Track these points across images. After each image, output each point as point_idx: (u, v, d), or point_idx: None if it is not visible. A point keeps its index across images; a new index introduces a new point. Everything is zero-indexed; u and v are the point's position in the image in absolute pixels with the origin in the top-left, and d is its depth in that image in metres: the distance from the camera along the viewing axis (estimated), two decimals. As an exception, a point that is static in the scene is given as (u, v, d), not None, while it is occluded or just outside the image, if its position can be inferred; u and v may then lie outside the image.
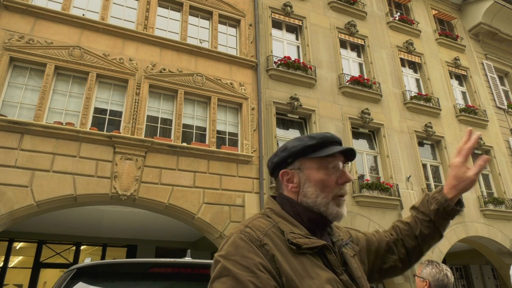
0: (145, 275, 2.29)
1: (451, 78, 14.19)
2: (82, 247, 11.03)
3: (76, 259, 10.68)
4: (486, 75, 14.91)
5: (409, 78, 13.31)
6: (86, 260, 2.34)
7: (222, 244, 1.08)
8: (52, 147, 7.22)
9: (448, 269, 2.92)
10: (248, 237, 1.04)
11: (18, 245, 10.47)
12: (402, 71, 12.90)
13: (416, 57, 13.52)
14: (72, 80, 8.16)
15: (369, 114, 11.06)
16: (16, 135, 7.04)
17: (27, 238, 10.25)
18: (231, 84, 9.55)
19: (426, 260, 3.11)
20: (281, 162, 1.21)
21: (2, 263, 9.98)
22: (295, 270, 1.01)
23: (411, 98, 12.25)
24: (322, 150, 1.18)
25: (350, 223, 9.44)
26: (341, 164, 1.20)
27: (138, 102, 8.30)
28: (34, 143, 7.11)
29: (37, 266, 10.22)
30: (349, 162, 1.26)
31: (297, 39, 11.77)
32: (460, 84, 14.56)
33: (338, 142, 1.22)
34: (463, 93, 14.38)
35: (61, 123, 7.50)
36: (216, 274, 1.00)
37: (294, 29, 11.87)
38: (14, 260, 10.65)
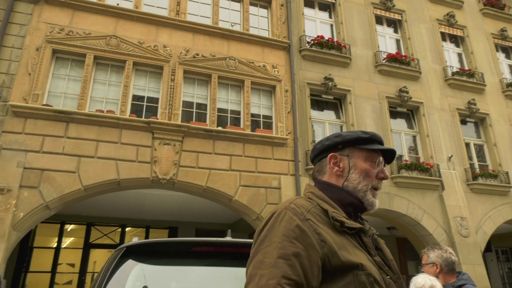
0: (188, 253, 2.39)
1: (497, 51, 13.34)
2: (127, 229, 11.58)
3: (122, 240, 11.25)
4: (537, 46, 13.89)
5: (451, 53, 12.66)
6: (134, 240, 2.46)
7: (266, 218, 1.13)
8: (95, 134, 7.56)
9: (449, 248, 2.99)
10: (292, 212, 1.10)
11: (69, 227, 11.15)
12: (442, 46, 12.29)
13: (458, 30, 12.81)
14: (111, 69, 8.44)
15: (407, 92, 10.68)
16: (62, 124, 7.42)
17: (77, 220, 10.89)
18: (264, 66, 9.51)
19: (426, 248, 3.08)
20: (332, 146, 1.31)
21: (56, 244, 10.71)
22: (337, 244, 1.08)
23: (453, 74, 11.68)
24: (372, 144, 1.30)
25: (388, 205, 9.28)
26: (382, 162, 1.33)
27: (173, 88, 8.48)
28: (78, 131, 7.48)
29: (87, 246, 10.87)
30: (387, 164, 1.38)
31: (330, 17, 11.47)
32: (507, 57, 13.67)
33: (382, 142, 1.35)
34: (511, 67, 13.51)
35: (102, 111, 7.82)
36: (261, 245, 1.04)
37: (327, 7, 11.56)
38: (66, 241, 11.37)
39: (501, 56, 13.46)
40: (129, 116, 7.95)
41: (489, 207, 10.29)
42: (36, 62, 7.65)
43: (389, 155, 1.35)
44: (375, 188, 1.29)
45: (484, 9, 13.46)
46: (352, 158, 1.29)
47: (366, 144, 1.30)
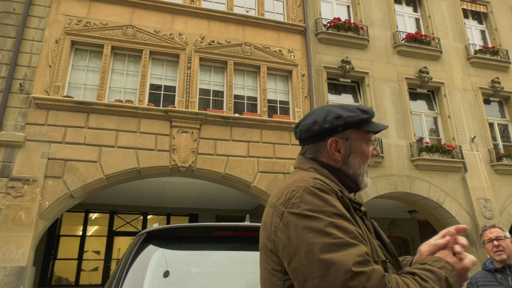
0: (208, 238, 2.43)
1: (523, 26, 12.78)
2: (148, 217, 11.84)
3: (144, 227, 11.52)
4: None
5: (473, 31, 12.21)
6: (154, 225, 2.51)
7: (291, 199, 1.02)
8: (115, 124, 7.69)
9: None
10: (325, 188, 1.03)
11: (93, 215, 11.48)
12: (464, 24, 11.85)
13: (481, 6, 12.31)
14: (128, 59, 8.52)
15: (427, 73, 10.39)
16: (83, 115, 7.57)
17: (100, 209, 11.19)
18: (279, 51, 9.41)
19: (486, 225, 3.06)
20: (331, 129, 1.19)
21: (81, 232, 11.06)
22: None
23: (476, 52, 11.28)
24: (370, 124, 1.23)
25: (409, 188, 9.16)
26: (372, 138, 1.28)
27: (190, 76, 8.50)
28: (99, 121, 7.62)
29: (111, 234, 11.19)
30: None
31: (346, -2, 11.19)
32: (534, 32, 13.08)
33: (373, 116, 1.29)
34: (538, 43, 12.93)
35: (121, 101, 7.93)
36: (314, 229, 0.93)
37: (343, -12, 11.28)
38: (91, 230, 11.73)
39: (527, 32, 12.89)
40: (147, 105, 8.03)
41: (514, 188, 10.02)
42: (56, 54, 7.79)
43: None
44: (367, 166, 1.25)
45: (509, -17, 12.87)
46: (352, 142, 1.20)
47: (366, 124, 1.22)
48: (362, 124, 1.21)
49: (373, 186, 8.74)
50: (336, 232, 0.91)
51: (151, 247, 2.31)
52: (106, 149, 7.48)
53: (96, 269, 11.05)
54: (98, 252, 11.21)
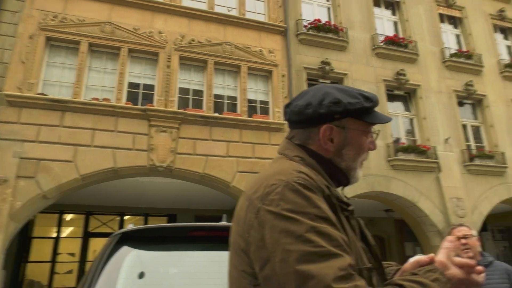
0: (185, 238, 2.41)
1: (495, 31, 13.23)
2: (125, 217, 11.62)
3: (121, 228, 11.24)
4: (535, 26, 13.77)
5: (449, 35, 12.55)
6: (130, 226, 2.47)
7: (270, 194, 0.89)
8: (92, 123, 7.52)
9: None
10: (310, 184, 0.90)
11: (68, 216, 11.19)
12: (440, 28, 12.18)
13: (457, 11, 12.67)
14: (106, 57, 8.35)
15: (404, 75, 10.62)
16: (58, 113, 7.37)
17: (75, 210, 10.91)
18: (260, 51, 9.42)
19: (453, 225, 3.29)
20: (327, 115, 1.04)
21: (55, 234, 10.76)
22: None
23: (451, 55, 11.60)
24: (372, 114, 1.08)
25: (386, 187, 9.33)
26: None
27: (169, 75, 8.40)
28: (74, 120, 7.43)
29: (86, 235, 10.93)
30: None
31: (327, 0, 11.31)
32: (505, 37, 13.55)
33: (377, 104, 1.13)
34: (508, 48, 13.41)
35: (98, 99, 7.76)
36: (292, 233, 0.81)
37: (323, -10, 11.40)
38: (66, 231, 11.42)
39: (499, 37, 13.35)
40: (125, 104, 7.89)
41: (485, 187, 10.37)
42: (30, 50, 7.55)
43: None
44: (363, 161, 1.12)
45: (482, -11, 13.29)
46: (349, 132, 1.06)
47: (368, 114, 1.07)
48: (363, 114, 1.06)
49: (352, 186, 8.83)
50: (318, 239, 0.80)
51: (125, 248, 2.27)
52: (82, 149, 7.30)
53: (70, 271, 10.77)
54: (72, 254, 10.93)
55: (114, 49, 8.32)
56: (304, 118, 1.06)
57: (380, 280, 0.96)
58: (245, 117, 8.64)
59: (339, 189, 1.10)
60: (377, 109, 1.13)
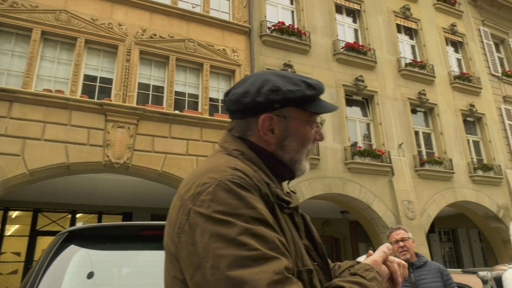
0: (136, 237, 2.33)
1: (447, 44, 14.02)
2: (77, 215, 11.13)
3: (72, 226, 10.82)
4: (482, 42, 14.75)
5: (405, 45, 13.14)
6: (79, 224, 2.36)
7: (201, 194, 0.82)
8: (42, 115, 7.12)
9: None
10: (245, 183, 0.84)
11: (14, 214, 10.54)
12: (397, 38, 12.71)
13: (413, 23, 13.29)
14: (60, 46, 7.94)
15: (363, 81, 10.98)
16: (5, 103, 6.91)
17: (22, 207, 10.31)
18: (223, 50, 9.37)
19: (392, 228, 3.45)
20: (266, 104, 0.97)
21: (-1, 231, 10.10)
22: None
23: (406, 65, 12.14)
24: (316, 103, 1.02)
25: (342, 189, 9.59)
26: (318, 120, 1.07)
27: (128, 69, 8.15)
28: (23, 111, 7.01)
29: (34, 234, 10.34)
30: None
31: (291, 3, 11.46)
32: (456, 51, 14.41)
33: (323, 92, 1.05)
34: (458, 60, 14.27)
35: (50, 91, 7.37)
36: (224, 237, 0.75)
37: (288, -7, 11.54)
38: (11, 229, 10.76)
39: (450, 49, 14.17)
40: (80, 97, 7.55)
41: (433, 191, 10.95)
42: (-25, 35, 7.03)
43: None
44: (310, 153, 1.04)
45: (437, 4, 14.03)
46: (290, 122, 0.99)
47: (311, 103, 1.00)
48: (305, 102, 0.99)
49: (309, 187, 9.02)
50: (252, 242, 0.74)
51: (72, 247, 2.17)
52: (31, 142, 6.90)
53: (15, 272, 10.16)
54: (18, 254, 10.32)
55: (70, 39, 7.94)
56: (242, 107, 0.99)
57: (325, 279, 0.93)
58: (206, 116, 8.55)
59: (284, 184, 1.06)
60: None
